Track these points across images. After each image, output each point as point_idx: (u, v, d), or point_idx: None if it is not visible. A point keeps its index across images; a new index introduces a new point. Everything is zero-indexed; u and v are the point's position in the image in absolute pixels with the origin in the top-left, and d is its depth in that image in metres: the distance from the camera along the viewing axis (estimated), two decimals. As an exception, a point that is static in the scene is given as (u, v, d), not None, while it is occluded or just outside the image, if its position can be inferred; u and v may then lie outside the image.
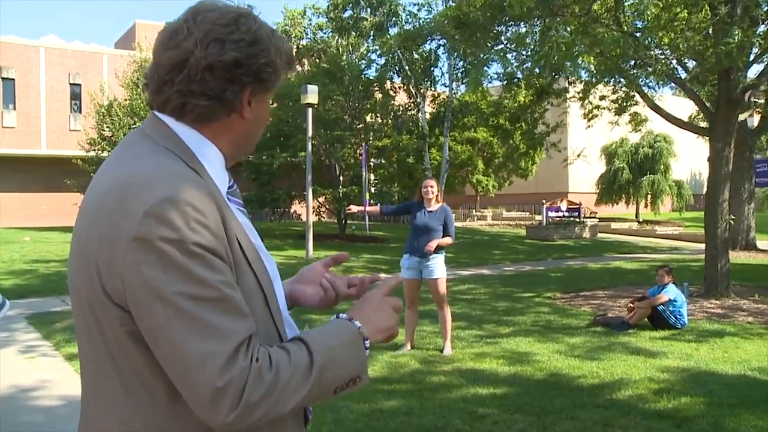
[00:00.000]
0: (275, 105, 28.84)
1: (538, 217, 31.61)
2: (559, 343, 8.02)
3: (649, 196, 35.30)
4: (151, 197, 1.13)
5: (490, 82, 22.34)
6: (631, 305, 9.12)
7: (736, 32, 10.43)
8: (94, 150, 25.86)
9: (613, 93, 17.68)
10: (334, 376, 1.24)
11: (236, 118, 1.32)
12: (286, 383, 1.16)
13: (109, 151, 25.08)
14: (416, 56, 28.06)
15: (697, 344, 7.95)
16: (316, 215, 25.38)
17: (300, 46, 34.83)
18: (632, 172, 35.69)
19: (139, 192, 1.15)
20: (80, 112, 32.21)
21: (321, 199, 25.20)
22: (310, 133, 17.80)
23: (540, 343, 7.99)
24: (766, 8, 10.98)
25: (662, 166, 35.52)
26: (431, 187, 7.42)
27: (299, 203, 26.91)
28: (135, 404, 1.21)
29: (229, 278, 1.17)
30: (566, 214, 29.22)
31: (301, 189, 22.60)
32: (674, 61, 14.00)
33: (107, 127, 25.73)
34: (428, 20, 20.45)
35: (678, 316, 8.91)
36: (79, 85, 32.61)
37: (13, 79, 31.52)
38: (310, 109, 17.84)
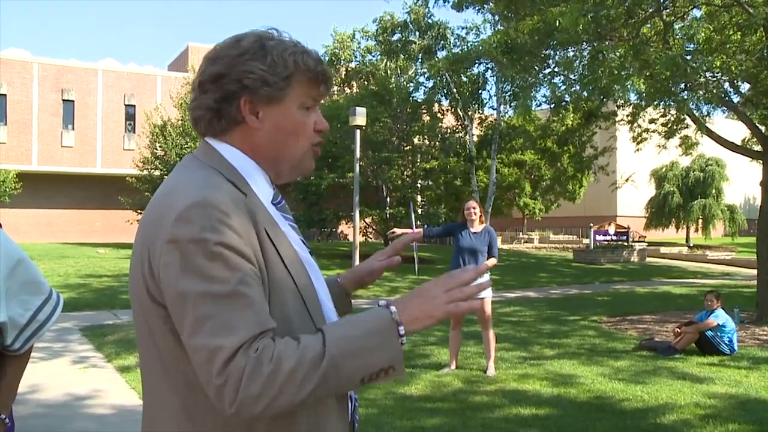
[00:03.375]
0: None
1: (585, 241, 31.25)
2: (603, 366, 7.97)
3: (701, 221, 34.63)
4: (183, 203, 1.25)
5: (538, 106, 22.33)
6: (679, 330, 9.02)
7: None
8: (147, 169, 26.57)
9: (663, 116, 17.52)
10: (356, 366, 1.24)
11: (249, 129, 1.41)
12: (290, 373, 1.18)
13: (161, 170, 25.78)
14: (464, 79, 28.15)
15: (747, 371, 7.82)
16: (362, 236, 25.59)
17: (349, 69, 35.32)
18: (683, 196, 35.09)
19: (175, 200, 1.28)
20: (134, 132, 33.18)
21: (368, 220, 25.41)
22: (357, 154, 18.00)
23: (584, 366, 7.96)
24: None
25: (714, 190, 34.85)
26: (474, 208, 7.49)
27: (346, 224, 27.18)
28: (182, 403, 1.32)
29: (248, 275, 1.24)
30: (614, 237, 28.85)
31: (348, 210, 22.81)
32: (726, 84, 13.86)
33: (160, 146, 26.41)
34: (476, 44, 20.52)
35: (727, 342, 8.77)
36: (134, 106, 33.64)
37: (73, 101, 32.67)
38: (358, 131, 18.05)
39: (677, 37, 13.92)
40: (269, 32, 1.45)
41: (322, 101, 1.54)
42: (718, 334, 8.76)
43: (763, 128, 13.28)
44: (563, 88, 14.05)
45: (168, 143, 26.05)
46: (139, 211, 27.05)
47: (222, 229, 1.23)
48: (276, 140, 1.43)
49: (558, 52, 13.84)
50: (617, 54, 12.99)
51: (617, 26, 12.12)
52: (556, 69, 14.04)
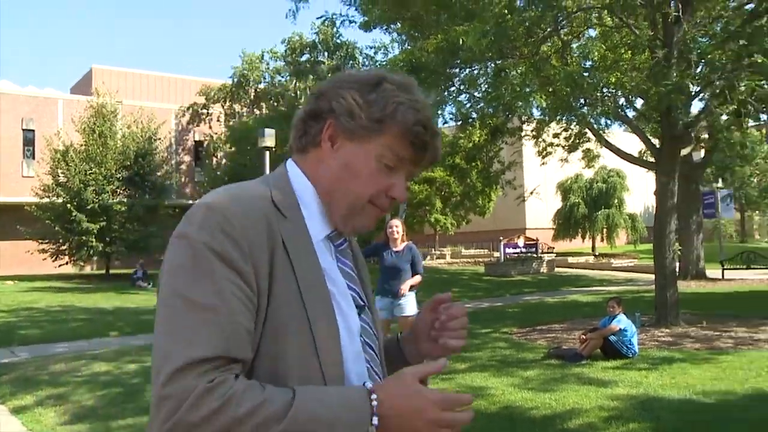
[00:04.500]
0: (233, 149, 28.97)
1: (496, 254, 31.94)
2: (513, 376, 8.17)
3: (605, 230, 36.04)
4: (198, 204, 1.25)
5: (445, 123, 22.75)
6: (584, 337, 9.34)
7: (674, 74, 10.91)
8: (48, 196, 25.59)
9: (565, 131, 18.16)
10: None
11: (321, 155, 1.35)
12: (236, 420, 1.07)
13: (64, 197, 24.88)
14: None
15: (646, 372, 8.18)
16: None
17: (258, 90, 35.13)
18: (587, 207, 36.41)
19: (201, 199, 1.28)
20: (33, 158, 31.88)
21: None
22: (267, 175, 17.89)
23: (495, 377, 8.14)
24: (699, 52, 11.48)
25: (616, 201, 36.36)
26: (396, 227, 7.59)
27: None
28: None
29: (233, 292, 1.15)
30: (523, 250, 29.62)
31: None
32: (622, 99, 14.54)
33: (62, 172, 25.52)
34: (385, 63, 20.82)
35: (629, 346, 9.14)
36: (33, 130, 32.36)
37: (-36, 126, 31.16)
38: (267, 153, 17.98)
39: (575, 55, 14.53)
40: (405, 80, 1.38)
41: (407, 171, 1.39)
42: (621, 338, 9.13)
43: (655, 141, 13.96)
44: (469, 105, 14.43)
45: (71, 169, 25.21)
46: (40, 240, 26.01)
47: (217, 236, 1.17)
48: (339, 178, 1.34)
49: (463, 71, 14.21)
50: (519, 71, 13.44)
51: (518, 45, 12.55)
52: (461, 87, 14.41)
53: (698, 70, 11.86)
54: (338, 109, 1.31)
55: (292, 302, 1.22)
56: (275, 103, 33.19)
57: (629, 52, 13.75)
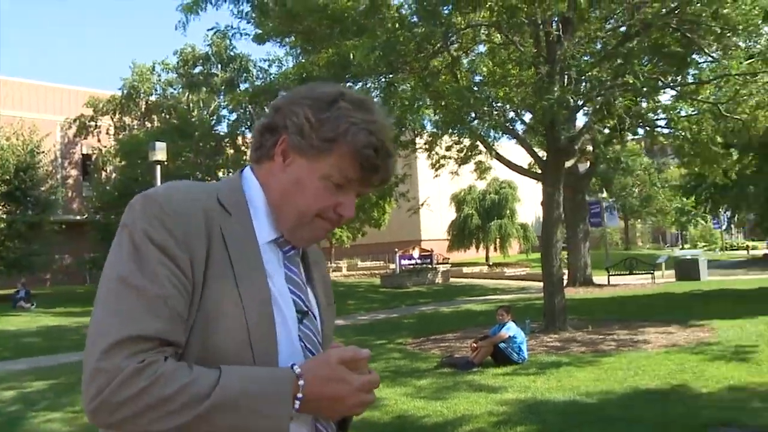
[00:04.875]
0: (123, 163, 28.06)
1: (392, 266, 32.26)
2: (406, 386, 8.28)
3: (498, 240, 37.04)
4: (138, 195, 1.28)
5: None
6: (475, 345, 9.57)
7: (556, 89, 11.40)
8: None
9: (458, 143, 18.56)
10: (231, 425, 1.13)
11: (274, 167, 1.37)
12: (162, 400, 1.10)
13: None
14: (268, 111, 28.28)
15: (535, 377, 8.46)
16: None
17: (149, 102, 34.18)
18: (481, 218, 37.33)
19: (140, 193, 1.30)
20: None
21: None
22: (159, 190, 17.44)
23: (389, 387, 8.20)
24: (578, 69, 12.04)
25: (508, 211, 37.45)
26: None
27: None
28: None
29: (167, 277, 1.18)
30: (419, 261, 30.06)
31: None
32: (511, 113, 15.05)
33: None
34: (278, 76, 20.71)
35: (518, 352, 9.43)
36: None
37: None
38: (159, 167, 17.52)
39: (464, 70, 14.92)
40: (364, 99, 1.38)
41: (357, 190, 1.39)
42: (510, 345, 9.41)
43: (542, 153, 14.50)
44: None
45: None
46: None
47: (154, 223, 1.21)
48: (288, 192, 1.35)
49: (355, 84, 14.33)
50: (409, 85, 13.69)
51: (409, 60, 12.78)
52: (352, 101, 14.47)
53: (582, 86, 12.44)
54: (291, 127, 1.33)
55: (227, 297, 1.23)
56: (167, 116, 32.34)
57: (516, 67, 14.24)
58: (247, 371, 1.19)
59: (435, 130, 16.22)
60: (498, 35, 13.99)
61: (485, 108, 12.65)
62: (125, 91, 33.79)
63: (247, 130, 28.81)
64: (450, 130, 14.95)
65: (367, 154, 1.31)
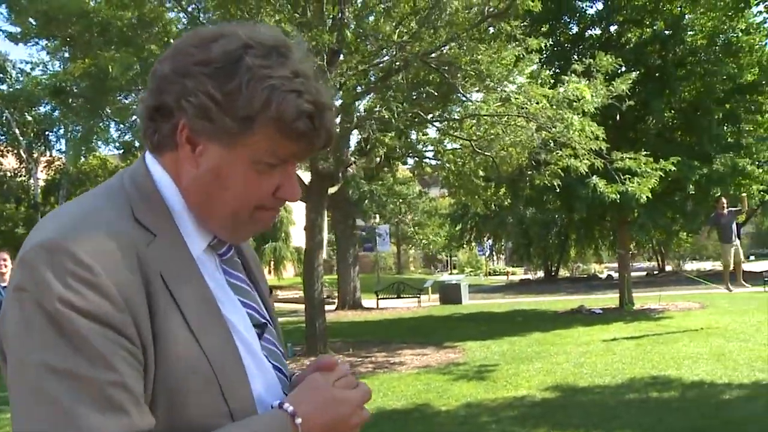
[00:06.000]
0: None
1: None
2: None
3: (272, 263, 37.12)
4: (33, 242, 0.94)
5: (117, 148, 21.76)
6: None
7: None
8: None
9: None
10: None
11: (182, 156, 1.04)
12: None
13: None
14: (29, 118, 26.20)
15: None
16: None
17: None
18: (255, 240, 37.13)
19: (34, 236, 0.97)
20: None
21: None
22: None
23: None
24: (343, 99, 12.45)
25: (283, 234, 37.74)
26: (4, 260, 6.94)
27: None
28: None
29: (111, 352, 0.90)
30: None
31: None
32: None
33: None
34: (27, 83, 19.23)
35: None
36: None
37: None
38: None
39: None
40: (277, 42, 1.02)
41: (296, 162, 1.11)
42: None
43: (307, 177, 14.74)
44: (118, 135, 13.92)
45: None
46: None
47: (74, 285, 0.89)
48: (208, 188, 1.04)
49: (117, 98, 13.69)
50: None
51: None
52: (112, 116, 13.86)
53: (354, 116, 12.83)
54: (190, 109, 1.00)
55: (183, 344, 0.97)
56: None
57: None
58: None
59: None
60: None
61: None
62: None
63: (3, 137, 26.47)
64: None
65: (302, 127, 1.01)
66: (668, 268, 44.73)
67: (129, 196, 1.03)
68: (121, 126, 13.53)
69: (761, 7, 16.57)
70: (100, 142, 16.63)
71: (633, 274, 22.02)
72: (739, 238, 14.58)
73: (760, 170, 19.22)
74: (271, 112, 0.98)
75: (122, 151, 18.40)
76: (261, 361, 1.09)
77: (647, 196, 13.06)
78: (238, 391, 1.01)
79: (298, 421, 0.99)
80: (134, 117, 12.94)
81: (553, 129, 10.87)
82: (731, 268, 14.07)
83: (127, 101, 13.17)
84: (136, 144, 16.61)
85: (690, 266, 43.33)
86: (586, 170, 11.85)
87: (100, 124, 13.45)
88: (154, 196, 1.05)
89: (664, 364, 9.97)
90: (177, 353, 0.95)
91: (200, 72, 0.99)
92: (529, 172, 12.73)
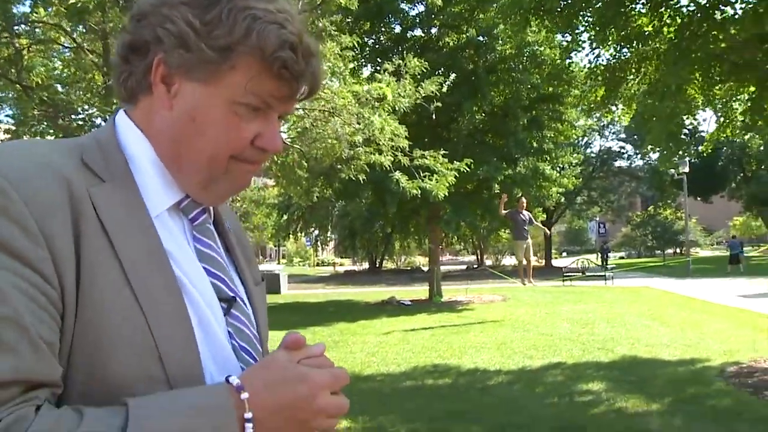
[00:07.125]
0: None
1: None
2: None
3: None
4: None
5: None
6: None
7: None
8: None
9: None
10: None
11: (156, 101, 0.97)
12: None
13: None
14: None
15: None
16: None
17: None
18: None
19: None
20: None
21: None
22: None
23: None
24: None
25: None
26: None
27: None
28: None
29: (19, 290, 0.80)
30: None
31: None
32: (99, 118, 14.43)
33: None
34: None
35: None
36: None
37: None
38: None
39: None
40: None
41: (279, 110, 1.00)
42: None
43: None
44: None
45: None
46: None
47: None
48: (183, 133, 0.96)
49: None
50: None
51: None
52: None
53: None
54: (167, 39, 0.93)
55: (117, 300, 0.87)
56: None
57: (94, 73, 13.76)
58: (163, 402, 0.84)
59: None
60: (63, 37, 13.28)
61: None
62: None
63: None
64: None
65: (284, 58, 0.94)
66: (488, 262, 47.21)
67: (81, 145, 0.97)
68: None
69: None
70: None
71: (454, 267, 23.15)
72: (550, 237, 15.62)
73: (558, 174, 20.81)
74: (252, 40, 0.93)
75: None
76: (215, 335, 0.98)
77: (444, 194, 13.73)
78: (181, 359, 0.91)
79: (245, 395, 0.87)
80: None
81: (357, 125, 11.16)
82: (524, 263, 15.11)
83: None
84: None
85: (508, 261, 45.86)
86: (390, 165, 12.25)
87: None
88: (111, 145, 0.99)
89: (450, 353, 10.55)
90: (105, 305, 0.86)
91: (180, 1, 0.95)
92: (339, 166, 12.97)
